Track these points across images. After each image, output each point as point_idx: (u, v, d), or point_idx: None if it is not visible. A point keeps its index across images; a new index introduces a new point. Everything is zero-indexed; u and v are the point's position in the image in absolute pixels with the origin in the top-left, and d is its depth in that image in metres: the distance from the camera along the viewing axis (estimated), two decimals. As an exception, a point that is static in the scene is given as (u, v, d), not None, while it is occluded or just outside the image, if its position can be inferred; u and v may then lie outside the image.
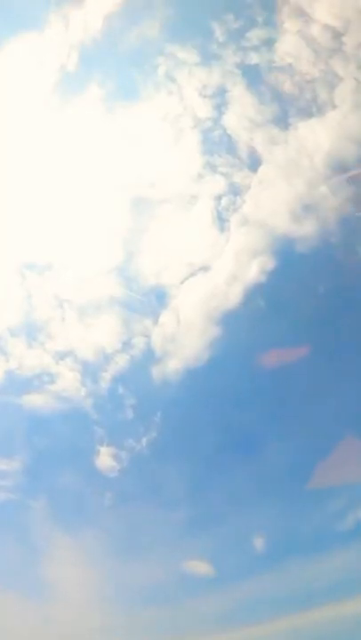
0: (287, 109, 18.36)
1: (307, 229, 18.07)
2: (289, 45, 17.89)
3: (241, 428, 18.77)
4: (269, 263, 18.19)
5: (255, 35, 18.06)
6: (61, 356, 19.39)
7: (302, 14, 17.57)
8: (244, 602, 17.53)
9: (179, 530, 18.88)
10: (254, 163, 18.54)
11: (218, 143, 18.68)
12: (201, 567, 17.82)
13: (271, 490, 18.34)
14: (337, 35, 17.39)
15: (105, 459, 18.86)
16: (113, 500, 19.11)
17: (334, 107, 17.79)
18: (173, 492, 19.01)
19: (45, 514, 19.24)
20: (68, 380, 19.27)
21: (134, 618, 17.69)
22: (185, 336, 18.94)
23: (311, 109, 18.13)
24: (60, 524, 19.37)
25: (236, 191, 18.70)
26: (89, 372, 19.38)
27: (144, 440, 18.98)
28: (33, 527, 19.26)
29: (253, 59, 18.23)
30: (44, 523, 19.19)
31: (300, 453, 18.20)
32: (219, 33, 18.16)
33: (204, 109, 18.57)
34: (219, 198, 18.75)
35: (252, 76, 18.27)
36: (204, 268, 18.97)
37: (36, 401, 19.03)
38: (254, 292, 18.32)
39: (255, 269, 18.23)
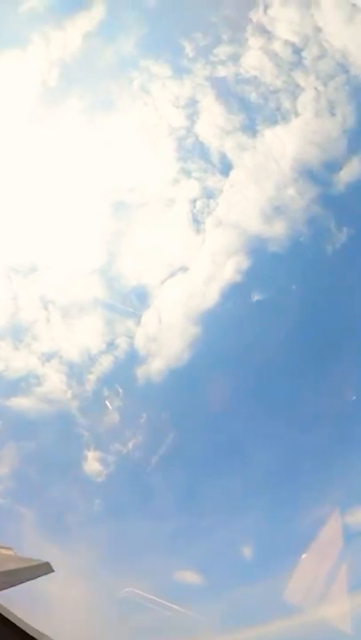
0: (254, 118, 19.53)
1: (277, 229, 19.13)
2: (254, 59, 19.18)
3: (223, 426, 19.33)
4: (243, 262, 19.09)
5: (222, 50, 19.30)
6: (47, 358, 19.51)
7: (265, 31, 18.89)
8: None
9: (167, 534, 18.95)
10: (226, 168, 19.58)
11: (191, 150, 19.70)
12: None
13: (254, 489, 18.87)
14: (297, 49, 18.73)
15: (91, 461, 18.86)
16: (100, 504, 19.02)
17: (297, 114, 19.09)
18: (160, 495, 19.27)
19: (32, 517, 18.81)
20: (54, 382, 19.40)
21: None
22: (166, 335, 19.51)
23: (276, 117, 19.35)
24: (47, 528, 18.94)
25: (209, 195, 19.67)
26: (74, 373, 19.57)
27: (130, 442, 19.13)
28: (19, 531, 18.57)
29: (221, 72, 19.47)
30: (30, 527, 18.70)
31: (283, 450, 18.99)
32: (189, 49, 19.32)
33: (178, 119, 19.67)
34: (194, 202, 19.69)
35: (221, 88, 19.46)
36: (183, 269, 19.73)
37: (23, 403, 19.06)
38: (230, 290, 19.05)
39: (230, 268, 19.09)
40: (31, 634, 2.78)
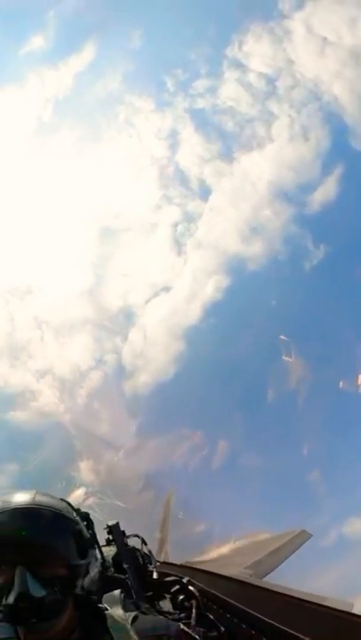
0: (231, 145, 20.86)
1: (255, 248, 20.25)
2: (230, 91, 20.44)
3: (208, 436, 19.32)
4: (223, 281, 20.06)
5: (200, 84, 20.53)
6: (41, 374, 20.06)
7: (240, 65, 20.24)
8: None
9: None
10: (205, 193, 20.73)
11: (172, 178, 20.78)
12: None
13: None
14: (271, 80, 20.11)
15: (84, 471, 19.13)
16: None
17: (272, 140, 20.47)
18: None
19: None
20: (48, 397, 19.92)
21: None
22: (151, 351, 20.34)
23: (252, 144, 20.68)
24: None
25: (190, 218, 20.78)
26: (66, 388, 20.17)
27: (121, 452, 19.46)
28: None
29: (200, 104, 20.71)
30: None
31: (266, 456, 19.55)
32: (170, 84, 20.53)
33: (160, 149, 20.73)
34: (175, 225, 20.73)
35: (200, 119, 20.71)
36: (166, 289, 20.65)
37: (19, 417, 19.39)
38: (212, 307, 19.91)
39: (211, 287, 20.04)
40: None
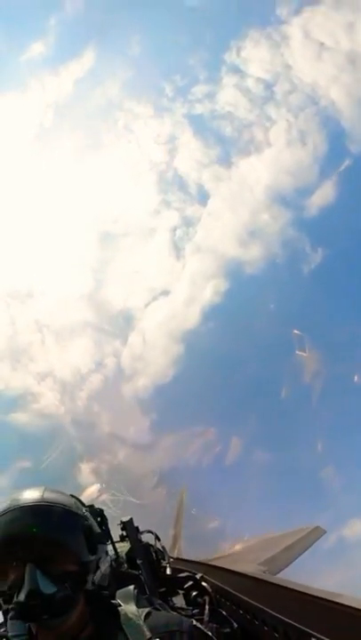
0: (229, 150, 20.91)
1: (253, 252, 20.28)
2: (228, 96, 20.50)
3: (207, 439, 19.25)
4: (222, 284, 20.11)
5: (199, 89, 20.60)
6: (42, 377, 19.95)
7: (238, 70, 20.29)
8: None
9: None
10: (203, 197, 20.84)
11: (171, 183, 20.88)
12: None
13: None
14: (268, 85, 20.17)
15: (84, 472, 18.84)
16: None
17: (270, 145, 20.50)
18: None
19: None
20: (49, 399, 19.77)
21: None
22: (151, 354, 20.38)
23: (250, 149, 20.72)
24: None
25: (188, 223, 20.83)
26: (67, 390, 20.09)
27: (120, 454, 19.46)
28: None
29: (198, 109, 20.76)
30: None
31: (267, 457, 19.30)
32: (168, 89, 20.65)
33: (158, 154, 20.84)
34: (174, 230, 20.81)
35: (198, 124, 20.78)
36: (165, 292, 20.71)
37: (21, 418, 19.24)
38: (210, 311, 19.95)
39: (210, 291, 20.09)
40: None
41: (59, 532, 1.14)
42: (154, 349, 20.43)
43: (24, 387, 19.51)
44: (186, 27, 20.70)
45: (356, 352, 19.41)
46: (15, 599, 1.07)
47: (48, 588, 1.08)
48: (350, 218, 19.63)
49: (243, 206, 20.78)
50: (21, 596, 1.06)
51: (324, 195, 19.60)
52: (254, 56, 20.07)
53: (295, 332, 18.28)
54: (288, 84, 19.98)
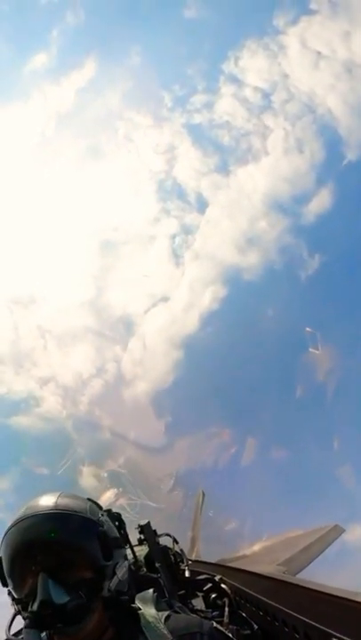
0: (227, 159, 21.03)
1: (251, 259, 20.33)
2: (226, 105, 20.64)
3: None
4: (220, 291, 20.17)
5: (197, 99, 20.75)
6: (44, 382, 20.08)
7: (235, 80, 20.39)
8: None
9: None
10: (202, 205, 20.97)
11: (170, 191, 21.00)
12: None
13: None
14: (266, 94, 20.26)
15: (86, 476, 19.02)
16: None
17: (267, 153, 20.57)
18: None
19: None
20: (51, 403, 19.89)
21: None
22: (151, 359, 20.47)
23: (248, 157, 20.82)
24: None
25: (187, 231, 20.98)
26: (69, 395, 20.21)
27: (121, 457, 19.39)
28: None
29: (197, 119, 20.89)
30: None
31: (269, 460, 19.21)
32: (168, 99, 20.80)
33: (158, 164, 20.98)
34: (173, 237, 20.97)
35: (197, 134, 20.91)
36: (164, 299, 20.78)
37: (23, 422, 19.40)
38: (209, 317, 20.04)
39: (208, 297, 20.17)
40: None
41: (72, 539, 1.14)
42: (154, 354, 20.55)
43: (27, 390, 19.65)
44: (185, 37, 20.98)
45: (356, 352, 19.37)
46: (30, 608, 1.08)
47: (61, 597, 1.07)
48: (347, 224, 19.72)
49: (241, 214, 20.94)
50: (34, 606, 1.06)
51: (322, 202, 19.68)
52: (252, 66, 20.28)
53: (307, 329, 18.21)
54: (285, 93, 20.12)
